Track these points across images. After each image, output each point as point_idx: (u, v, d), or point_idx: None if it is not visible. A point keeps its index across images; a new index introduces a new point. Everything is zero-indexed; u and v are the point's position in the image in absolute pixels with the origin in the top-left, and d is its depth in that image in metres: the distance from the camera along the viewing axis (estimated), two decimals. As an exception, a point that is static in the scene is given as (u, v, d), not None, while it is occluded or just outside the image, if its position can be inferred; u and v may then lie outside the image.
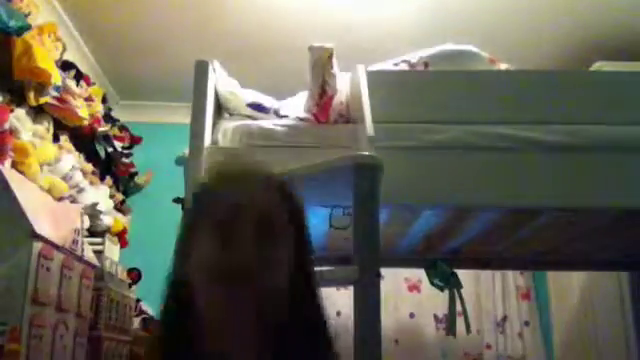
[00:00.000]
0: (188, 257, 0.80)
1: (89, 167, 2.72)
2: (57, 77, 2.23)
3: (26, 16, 2.09)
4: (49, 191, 2.17)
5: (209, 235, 0.78)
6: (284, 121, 1.94)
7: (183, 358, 0.79)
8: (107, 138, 3.06)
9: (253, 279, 0.76)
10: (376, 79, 1.85)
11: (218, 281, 0.75)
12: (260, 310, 0.77)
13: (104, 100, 3.05)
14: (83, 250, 2.18)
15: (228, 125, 1.92)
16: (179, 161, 1.76)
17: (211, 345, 0.79)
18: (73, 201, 2.43)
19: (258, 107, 2.01)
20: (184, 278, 0.80)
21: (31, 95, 2.14)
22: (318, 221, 1.94)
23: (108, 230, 2.89)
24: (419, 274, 2.95)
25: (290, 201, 0.85)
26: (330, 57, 1.85)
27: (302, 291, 0.83)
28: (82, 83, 2.67)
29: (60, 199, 2.26)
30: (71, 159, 2.43)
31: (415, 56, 2.05)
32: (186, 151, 1.72)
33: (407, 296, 3.40)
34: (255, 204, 0.80)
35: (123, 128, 3.35)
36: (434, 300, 3.22)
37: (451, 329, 2.45)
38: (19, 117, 2.09)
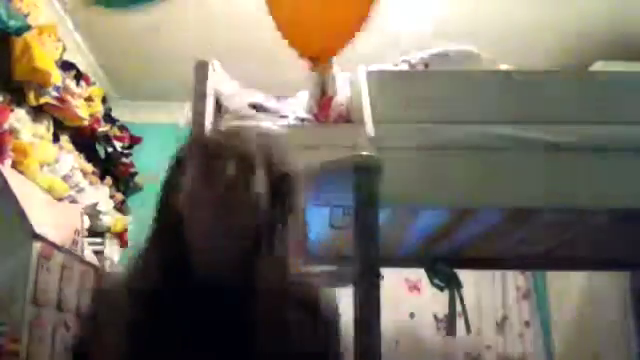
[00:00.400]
0: (176, 187, 0.92)
1: (89, 167, 2.72)
2: (57, 77, 2.24)
3: (26, 16, 2.09)
4: (49, 191, 2.17)
5: (195, 169, 0.91)
6: (284, 121, 1.94)
7: (174, 278, 0.88)
8: (107, 138, 3.06)
9: (235, 210, 0.88)
10: (376, 79, 1.85)
11: (203, 208, 0.88)
12: (240, 235, 0.89)
13: (104, 100, 3.06)
14: (83, 250, 2.18)
15: (228, 125, 1.92)
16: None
17: (197, 265, 0.89)
18: (73, 201, 2.43)
19: (258, 107, 2.01)
20: (173, 206, 0.92)
21: (31, 95, 2.14)
22: (318, 221, 1.94)
23: (108, 230, 2.90)
24: (419, 274, 2.95)
25: (269, 155, 0.95)
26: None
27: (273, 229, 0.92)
28: (82, 83, 2.67)
29: (60, 199, 2.27)
30: (71, 159, 2.43)
31: (415, 56, 2.05)
32: (186, 151, 1.72)
33: (407, 296, 3.40)
34: (236, 148, 0.92)
35: (123, 128, 3.36)
36: (434, 300, 3.22)
37: (451, 329, 2.45)
38: (19, 117, 2.09)
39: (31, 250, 1.78)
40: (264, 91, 2.12)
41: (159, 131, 3.54)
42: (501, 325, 3.39)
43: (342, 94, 1.94)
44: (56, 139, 2.41)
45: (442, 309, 3.08)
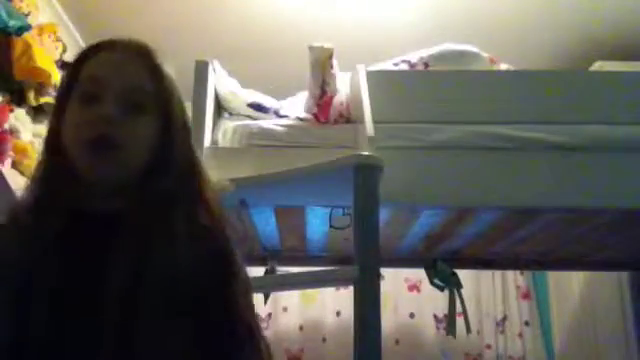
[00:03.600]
0: (60, 122, 0.86)
1: (89, 167, 2.72)
2: (57, 77, 2.24)
3: (26, 16, 2.09)
4: (49, 191, 2.17)
5: (77, 102, 0.85)
6: (284, 121, 1.94)
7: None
8: (107, 138, 3.06)
9: (116, 147, 0.82)
10: (376, 79, 1.85)
11: (86, 146, 0.82)
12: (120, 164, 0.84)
13: (104, 100, 3.05)
14: (83, 250, 2.18)
15: (228, 125, 1.92)
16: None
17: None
18: (73, 201, 2.43)
19: (258, 107, 2.01)
20: (59, 141, 0.85)
21: (31, 95, 2.14)
22: (318, 221, 1.94)
23: (108, 230, 2.89)
24: (419, 274, 2.95)
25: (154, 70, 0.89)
26: (330, 57, 1.85)
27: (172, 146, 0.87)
28: (82, 83, 2.67)
29: (60, 199, 2.27)
30: (71, 159, 2.43)
31: (415, 56, 2.05)
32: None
33: (407, 296, 3.40)
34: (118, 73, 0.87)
35: (123, 128, 3.35)
36: (434, 300, 3.22)
37: (451, 329, 2.45)
38: (19, 117, 2.09)
39: (31, 250, 1.78)
40: (264, 91, 2.12)
41: (159, 131, 3.55)
42: (501, 325, 3.39)
43: (342, 94, 1.95)
44: (56, 139, 2.41)
45: (442, 309, 3.08)
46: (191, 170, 0.90)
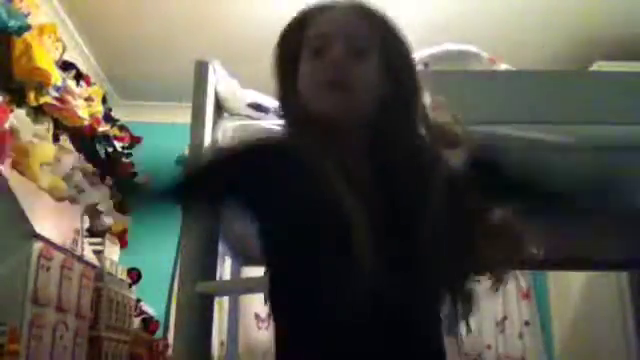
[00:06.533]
0: (294, 78, 0.96)
1: (89, 167, 2.72)
2: (57, 77, 2.24)
3: (26, 16, 2.09)
4: (49, 191, 2.17)
5: (307, 57, 0.94)
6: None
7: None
8: (107, 138, 3.06)
9: (348, 87, 0.90)
10: (376, 79, 1.84)
11: (321, 88, 0.90)
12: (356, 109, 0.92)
13: (104, 100, 3.06)
14: (83, 250, 2.18)
15: (228, 125, 1.92)
16: (179, 161, 1.76)
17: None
18: (73, 201, 2.43)
19: (258, 107, 2.01)
20: (294, 93, 0.95)
21: (31, 95, 2.14)
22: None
23: (108, 230, 2.90)
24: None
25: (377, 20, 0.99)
26: (330, 57, 1.85)
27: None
28: (82, 83, 2.68)
29: (60, 199, 2.27)
30: (71, 159, 2.44)
31: (415, 56, 2.04)
32: (186, 151, 1.72)
33: (407, 296, 3.40)
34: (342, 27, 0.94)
35: (123, 128, 3.36)
36: (434, 300, 3.23)
37: (451, 329, 2.45)
38: (19, 117, 2.09)
39: (31, 250, 1.78)
40: (264, 91, 2.12)
41: (159, 131, 3.55)
42: (501, 325, 3.40)
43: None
44: (56, 139, 2.41)
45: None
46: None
